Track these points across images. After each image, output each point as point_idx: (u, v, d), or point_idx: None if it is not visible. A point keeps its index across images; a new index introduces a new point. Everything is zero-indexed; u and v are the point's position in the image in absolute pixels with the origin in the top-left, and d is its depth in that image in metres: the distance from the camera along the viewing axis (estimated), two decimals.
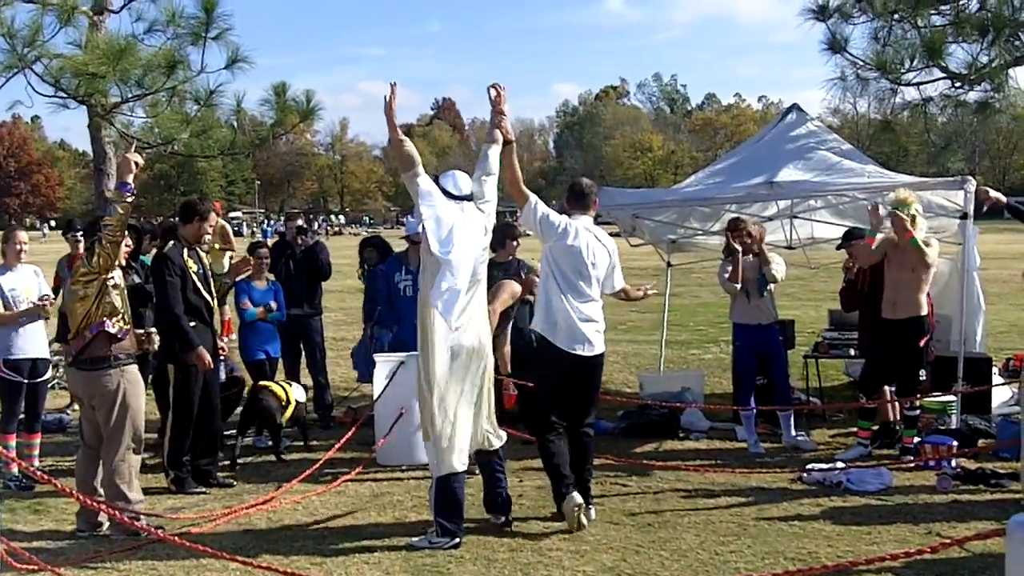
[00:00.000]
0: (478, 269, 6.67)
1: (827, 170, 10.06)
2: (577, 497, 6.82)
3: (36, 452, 8.56)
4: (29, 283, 8.44)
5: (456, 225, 6.52)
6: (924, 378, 8.81)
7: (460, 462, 6.55)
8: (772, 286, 9.40)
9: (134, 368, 6.97)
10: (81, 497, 6.13)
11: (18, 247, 8.41)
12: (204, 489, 8.10)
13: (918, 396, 8.87)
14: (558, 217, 7.06)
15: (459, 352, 6.53)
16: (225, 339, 16.29)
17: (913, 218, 8.56)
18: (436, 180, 6.72)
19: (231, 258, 17.25)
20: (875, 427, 9.09)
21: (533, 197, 7.02)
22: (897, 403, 9.03)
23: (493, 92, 7.00)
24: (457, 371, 6.53)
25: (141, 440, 7.04)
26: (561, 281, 6.99)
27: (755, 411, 9.32)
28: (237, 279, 9.82)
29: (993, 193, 8.52)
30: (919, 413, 8.92)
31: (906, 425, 8.88)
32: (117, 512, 6.44)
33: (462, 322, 6.52)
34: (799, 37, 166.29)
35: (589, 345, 7.02)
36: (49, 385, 10.45)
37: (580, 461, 7.12)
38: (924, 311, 8.68)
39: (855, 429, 9.17)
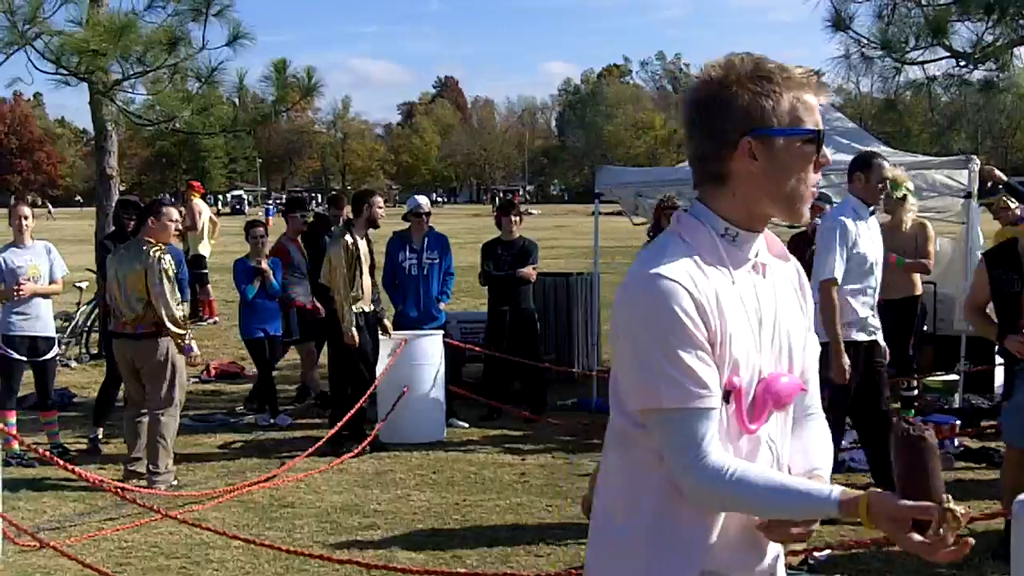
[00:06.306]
0: None
1: (831, 149, 10.01)
2: None
3: (56, 429, 8.56)
4: (39, 260, 8.33)
5: None
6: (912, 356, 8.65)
7: None
8: None
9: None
10: (82, 474, 6.11)
11: (18, 222, 8.30)
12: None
13: (915, 377, 8.80)
14: None
15: None
16: (207, 320, 16.32)
17: (904, 197, 8.45)
18: None
19: (211, 238, 16.96)
20: None
21: None
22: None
23: None
24: None
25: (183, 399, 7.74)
26: None
27: None
28: (237, 260, 9.77)
29: (997, 172, 8.47)
30: (917, 393, 8.82)
31: (903, 406, 8.78)
32: (120, 488, 6.47)
33: None
34: (795, 17, 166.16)
35: None
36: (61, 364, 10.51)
37: None
38: (918, 290, 8.60)
39: None
